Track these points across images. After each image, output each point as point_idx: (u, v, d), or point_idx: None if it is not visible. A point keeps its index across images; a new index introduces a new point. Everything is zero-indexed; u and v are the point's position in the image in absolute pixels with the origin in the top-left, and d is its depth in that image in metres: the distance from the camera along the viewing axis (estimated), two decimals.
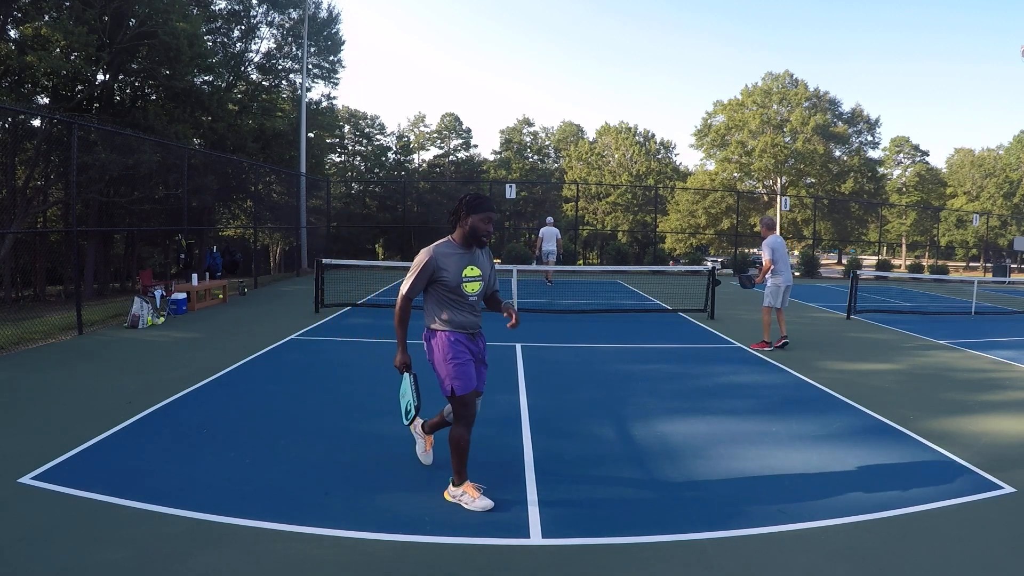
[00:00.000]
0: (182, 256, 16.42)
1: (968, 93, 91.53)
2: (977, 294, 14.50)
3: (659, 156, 51.35)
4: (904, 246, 47.64)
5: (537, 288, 15.93)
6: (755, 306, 13.45)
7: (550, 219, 17.68)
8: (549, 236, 16.72)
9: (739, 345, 8.97)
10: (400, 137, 49.90)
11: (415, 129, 50.84)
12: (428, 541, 3.27)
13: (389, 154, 49.11)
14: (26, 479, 3.88)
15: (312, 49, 27.36)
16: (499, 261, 23.28)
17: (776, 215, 42.00)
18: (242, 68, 25.65)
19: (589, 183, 47.33)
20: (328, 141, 39.48)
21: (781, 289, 8.75)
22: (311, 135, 28.37)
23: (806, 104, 44.16)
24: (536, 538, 3.34)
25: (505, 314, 3.93)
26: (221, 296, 12.88)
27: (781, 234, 41.27)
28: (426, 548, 3.21)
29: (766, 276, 8.76)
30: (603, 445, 4.79)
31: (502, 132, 55.50)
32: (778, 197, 39.06)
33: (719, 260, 31.30)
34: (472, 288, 3.73)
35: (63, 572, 2.91)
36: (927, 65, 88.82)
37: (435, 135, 50.59)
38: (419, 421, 4.27)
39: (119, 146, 16.03)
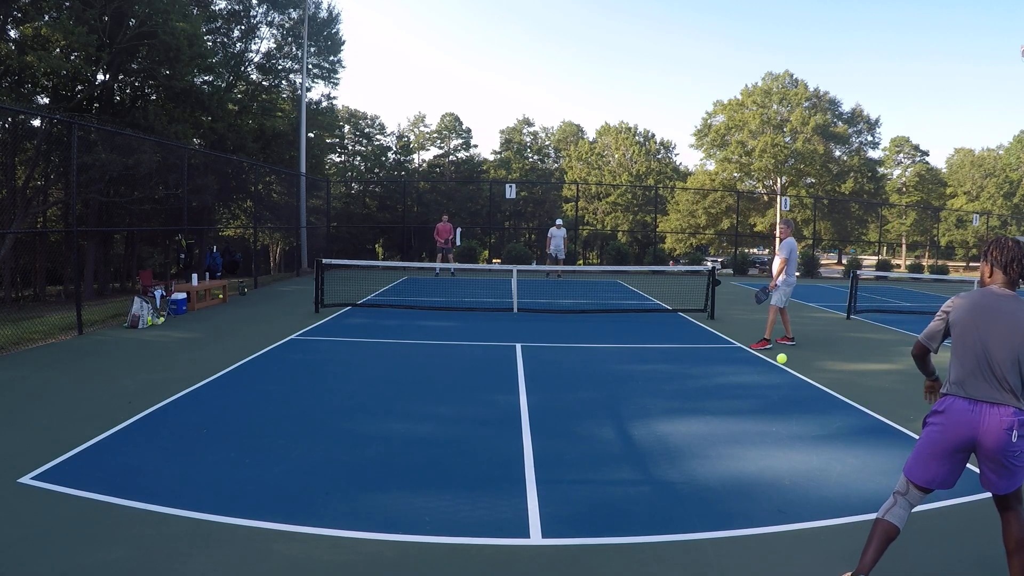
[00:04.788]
0: (182, 256, 16.43)
1: (968, 93, 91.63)
2: None
3: (659, 156, 51.36)
4: (904, 246, 47.64)
5: (537, 288, 15.94)
6: (754, 306, 13.46)
7: (559, 221, 20.19)
8: (559, 236, 19.53)
9: (739, 345, 8.97)
10: (400, 137, 49.89)
11: (415, 129, 50.84)
12: (428, 541, 3.27)
13: (389, 154, 49.09)
14: (26, 479, 3.88)
15: (312, 49, 27.35)
16: (499, 261, 23.28)
17: (776, 215, 42.06)
18: (242, 68, 25.64)
19: (589, 183, 47.33)
20: (328, 141, 39.46)
21: (791, 289, 9.12)
22: (311, 135, 28.36)
23: (806, 104, 44.15)
24: (536, 538, 3.34)
25: None
26: (221, 296, 12.88)
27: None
28: (426, 548, 3.21)
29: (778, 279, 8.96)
30: (603, 445, 4.79)
31: (502, 132, 55.53)
32: (778, 197, 39.07)
33: (719, 260, 31.31)
34: None
35: (63, 572, 2.91)
36: (927, 65, 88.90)
37: (435, 135, 50.56)
38: None
39: (119, 146, 16.03)
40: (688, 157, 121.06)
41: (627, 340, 9.31)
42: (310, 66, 27.58)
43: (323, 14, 27.89)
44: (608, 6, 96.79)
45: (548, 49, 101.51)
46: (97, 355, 7.67)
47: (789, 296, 9.13)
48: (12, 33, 17.50)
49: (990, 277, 3.00)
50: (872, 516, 3.62)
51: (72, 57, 16.94)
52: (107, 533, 3.27)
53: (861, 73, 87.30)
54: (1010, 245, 2.93)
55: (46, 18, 17.17)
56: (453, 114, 50.48)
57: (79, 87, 18.60)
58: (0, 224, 16.99)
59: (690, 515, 3.64)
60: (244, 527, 3.36)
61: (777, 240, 9.38)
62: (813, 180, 44.68)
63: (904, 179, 52.05)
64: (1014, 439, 2.63)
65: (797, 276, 9.18)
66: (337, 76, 30.03)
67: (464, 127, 50.71)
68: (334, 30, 28.64)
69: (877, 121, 46.15)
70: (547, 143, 56.17)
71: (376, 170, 47.61)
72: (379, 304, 12.44)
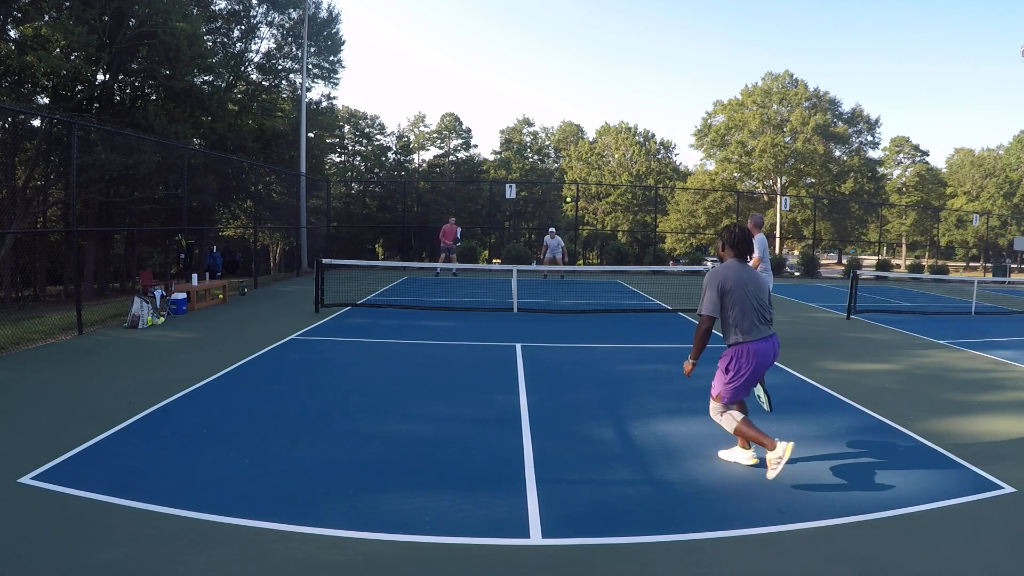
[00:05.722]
0: (182, 256, 16.45)
1: (968, 93, 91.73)
2: (977, 294, 14.49)
3: (659, 156, 51.36)
4: (904, 246, 47.65)
5: (537, 288, 15.94)
6: None
7: (552, 229, 20.02)
8: (554, 246, 19.41)
9: None
10: (400, 137, 49.89)
11: (415, 129, 50.85)
12: (428, 541, 3.27)
13: (389, 154, 49.09)
14: (26, 479, 3.88)
15: (312, 49, 27.35)
16: (499, 261, 23.30)
17: (776, 215, 42.07)
18: (242, 68, 25.65)
19: (589, 183, 47.32)
20: (328, 141, 39.47)
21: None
22: (311, 135, 28.35)
23: (806, 104, 44.16)
24: (536, 538, 3.34)
25: None
26: (221, 296, 12.88)
27: (781, 234, 41.57)
28: (426, 548, 3.21)
29: None
30: (603, 445, 4.79)
31: (502, 132, 55.55)
32: (778, 197, 39.09)
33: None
34: None
35: (63, 572, 2.91)
36: (927, 65, 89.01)
37: (435, 135, 50.57)
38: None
39: (119, 146, 16.04)
40: (688, 157, 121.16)
41: (627, 340, 9.31)
42: (310, 66, 27.58)
43: (323, 14, 27.90)
44: (608, 6, 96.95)
45: (548, 49, 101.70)
46: (97, 355, 7.67)
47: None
48: (12, 33, 17.50)
49: (723, 252, 4.34)
50: (871, 516, 3.64)
51: (72, 57, 16.95)
52: (107, 533, 3.27)
53: (861, 73, 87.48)
54: (735, 230, 4.33)
55: (46, 18, 17.17)
56: (453, 114, 50.54)
57: (79, 87, 18.61)
58: (0, 224, 17.00)
59: (690, 515, 3.64)
60: (244, 527, 3.36)
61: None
62: (813, 180, 44.68)
63: (904, 179, 52.06)
64: None
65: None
66: (337, 76, 30.06)
67: (464, 127, 50.75)
68: (334, 30, 28.65)
69: (877, 121, 46.20)
70: (547, 143, 56.17)
71: (376, 170, 47.60)
72: (379, 304, 12.44)
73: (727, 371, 4.14)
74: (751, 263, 8.98)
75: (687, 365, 4.31)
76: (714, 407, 4.28)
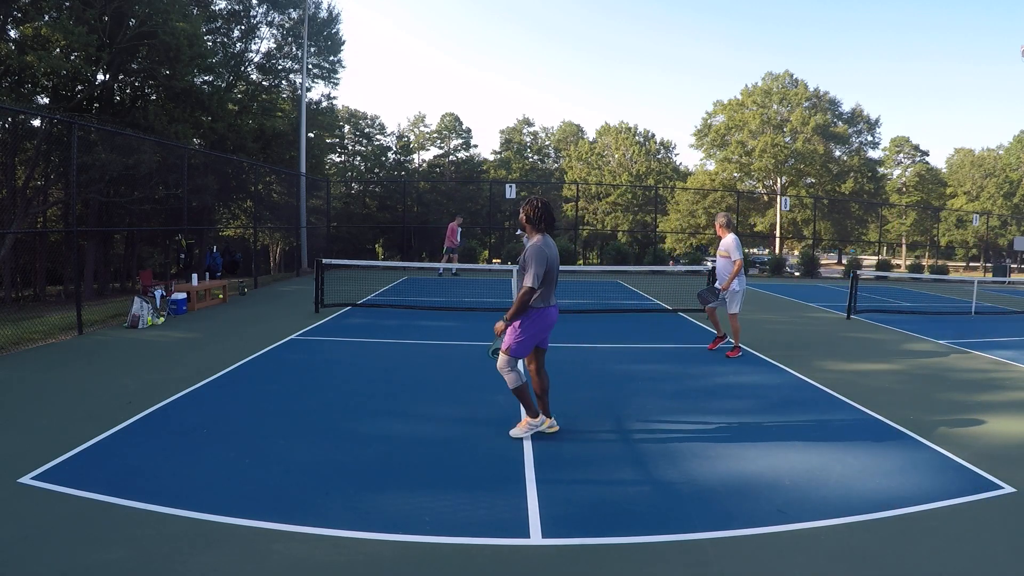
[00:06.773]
0: (182, 256, 16.47)
1: (968, 93, 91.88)
2: (977, 294, 14.49)
3: (659, 156, 51.37)
4: (904, 246, 47.65)
5: None
6: (753, 306, 13.48)
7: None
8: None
9: (739, 345, 8.95)
10: (400, 137, 49.89)
11: (415, 129, 50.84)
12: (428, 541, 3.27)
13: (389, 154, 49.10)
14: (26, 479, 3.88)
15: (312, 49, 27.35)
16: (499, 261, 23.31)
17: (776, 215, 42.07)
18: (242, 68, 25.64)
19: (589, 183, 47.32)
20: (328, 141, 39.46)
21: (744, 292, 8.37)
22: (311, 135, 28.34)
23: (806, 104, 44.17)
24: (536, 538, 3.34)
25: None
26: (221, 296, 12.87)
27: (781, 234, 41.56)
28: (426, 548, 3.21)
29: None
30: (603, 445, 4.79)
31: (502, 132, 55.59)
32: (778, 197, 39.10)
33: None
34: None
35: (63, 572, 2.91)
36: (927, 65, 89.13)
37: (435, 135, 50.57)
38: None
39: (119, 146, 16.03)
40: (688, 157, 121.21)
41: (627, 340, 9.30)
42: (310, 66, 27.58)
43: (323, 14, 27.89)
44: (608, 6, 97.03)
45: (548, 49, 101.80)
46: (97, 355, 7.67)
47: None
48: (12, 33, 17.50)
49: (528, 225, 4.64)
50: (871, 516, 3.64)
51: (72, 57, 16.94)
52: (107, 533, 3.27)
53: (861, 73, 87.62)
54: (537, 204, 4.63)
55: (46, 18, 17.17)
56: (453, 114, 50.56)
57: (79, 87, 18.60)
58: (0, 224, 17.00)
59: (690, 515, 3.64)
60: (244, 527, 3.36)
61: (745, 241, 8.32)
62: (813, 180, 44.70)
63: (904, 179, 52.07)
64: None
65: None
66: (337, 76, 30.05)
67: (464, 127, 50.77)
68: (334, 30, 28.64)
69: (877, 121, 46.23)
70: (547, 143, 56.19)
71: (376, 170, 47.60)
72: (379, 304, 12.44)
73: (521, 329, 4.58)
74: (735, 266, 8.46)
75: (499, 325, 4.61)
76: (503, 360, 4.65)
